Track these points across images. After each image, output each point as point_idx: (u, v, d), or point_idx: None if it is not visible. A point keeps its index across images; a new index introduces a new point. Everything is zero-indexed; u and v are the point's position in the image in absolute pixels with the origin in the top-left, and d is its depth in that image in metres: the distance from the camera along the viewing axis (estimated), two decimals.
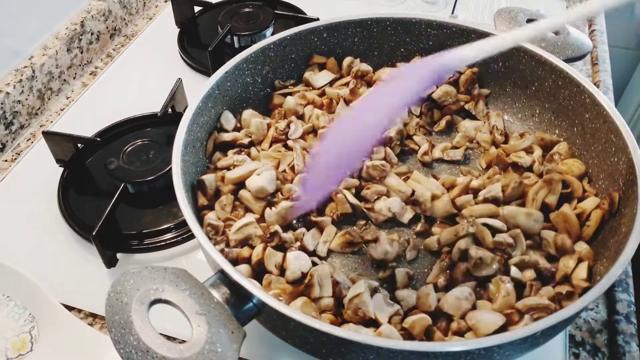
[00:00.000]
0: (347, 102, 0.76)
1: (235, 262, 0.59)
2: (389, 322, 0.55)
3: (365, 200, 0.67)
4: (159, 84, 0.89)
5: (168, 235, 0.71)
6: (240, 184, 0.66)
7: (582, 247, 0.60)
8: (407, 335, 0.54)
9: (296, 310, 0.47)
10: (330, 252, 0.64)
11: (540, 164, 0.69)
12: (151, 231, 0.71)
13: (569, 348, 0.62)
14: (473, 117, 0.79)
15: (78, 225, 0.72)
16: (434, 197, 0.66)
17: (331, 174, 0.55)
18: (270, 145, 0.72)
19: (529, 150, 0.71)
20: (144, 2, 1.15)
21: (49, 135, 0.78)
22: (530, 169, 0.70)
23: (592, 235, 0.61)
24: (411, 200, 0.67)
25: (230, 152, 0.70)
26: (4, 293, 0.66)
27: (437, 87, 0.78)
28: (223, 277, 0.50)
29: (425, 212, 0.66)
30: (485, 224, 0.61)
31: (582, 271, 0.57)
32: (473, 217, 0.62)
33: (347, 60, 0.80)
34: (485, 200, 0.65)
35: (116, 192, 0.71)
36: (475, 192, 0.67)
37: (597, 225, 0.61)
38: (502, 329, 0.52)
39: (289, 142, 0.71)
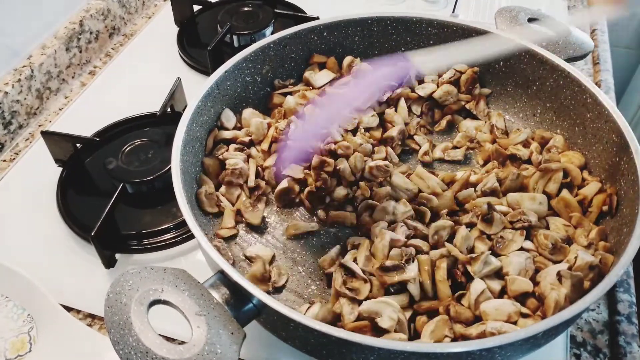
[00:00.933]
0: None
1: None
2: None
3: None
4: (158, 83, 0.88)
5: (167, 236, 0.71)
6: None
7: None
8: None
9: (296, 312, 0.46)
10: None
11: (539, 154, 0.69)
12: (150, 231, 0.71)
13: (570, 349, 0.62)
14: (474, 117, 0.78)
15: (77, 225, 0.72)
16: (436, 194, 0.66)
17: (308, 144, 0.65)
18: (270, 145, 0.72)
19: (526, 145, 0.71)
20: (143, 1, 1.15)
21: (47, 135, 0.78)
22: (528, 161, 0.70)
23: (595, 221, 0.62)
24: (416, 201, 0.66)
25: (232, 147, 0.70)
26: (2, 294, 0.66)
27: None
28: (223, 278, 0.50)
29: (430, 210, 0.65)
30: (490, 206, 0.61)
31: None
32: (477, 206, 0.62)
33: (348, 59, 0.80)
34: (484, 194, 0.65)
35: (115, 192, 0.70)
36: (476, 186, 0.67)
37: (599, 210, 0.62)
38: None
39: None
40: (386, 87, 0.72)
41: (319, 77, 0.79)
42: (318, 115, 0.68)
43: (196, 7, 1.09)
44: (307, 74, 0.79)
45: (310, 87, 0.79)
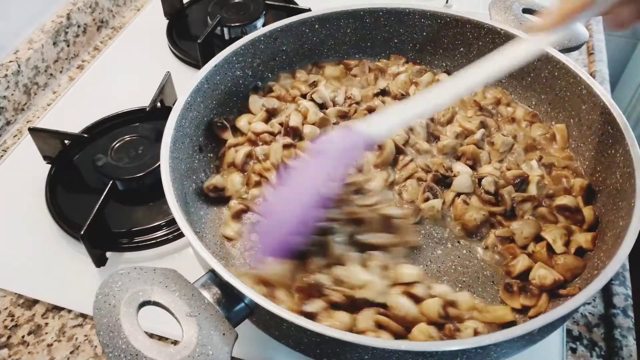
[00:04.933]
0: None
1: None
2: None
3: None
4: (148, 77, 0.87)
5: (159, 233, 0.70)
6: None
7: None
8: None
9: (289, 311, 0.46)
10: None
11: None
12: (141, 229, 0.70)
13: (566, 343, 0.61)
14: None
15: (66, 223, 0.71)
16: None
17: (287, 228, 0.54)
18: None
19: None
20: None
21: (35, 132, 0.76)
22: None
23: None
24: None
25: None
26: None
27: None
28: (214, 277, 0.49)
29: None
30: None
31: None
32: None
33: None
34: None
35: (105, 189, 0.69)
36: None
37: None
38: None
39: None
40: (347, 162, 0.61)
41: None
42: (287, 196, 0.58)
43: None
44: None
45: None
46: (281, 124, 0.71)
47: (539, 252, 0.59)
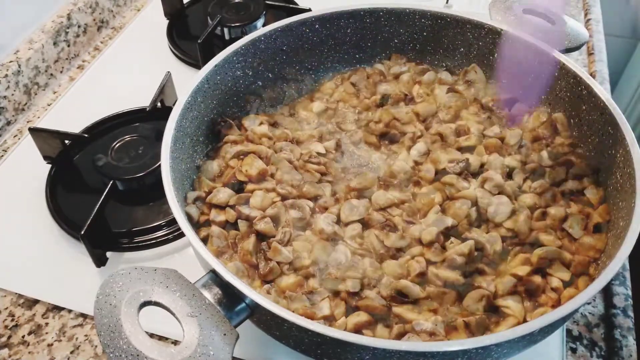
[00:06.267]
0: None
1: None
2: None
3: None
4: (148, 77, 0.87)
5: (159, 233, 0.70)
6: None
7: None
8: None
9: (290, 311, 0.46)
10: None
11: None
12: (142, 229, 0.70)
13: (566, 343, 0.61)
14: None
15: (67, 223, 0.71)
16: None
17: None
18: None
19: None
20: None
21: (35, 132, 0.76)
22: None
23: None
24: None
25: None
26: None
27: None
28: (215, 277, 0.49)
29: None
30: None
31: None
32: None
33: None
34: None
35: (105, 189, 0.69)
36: None
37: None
38: None
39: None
40: None
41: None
42: None
43: None
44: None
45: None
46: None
47: (563, 240, 0.60)
